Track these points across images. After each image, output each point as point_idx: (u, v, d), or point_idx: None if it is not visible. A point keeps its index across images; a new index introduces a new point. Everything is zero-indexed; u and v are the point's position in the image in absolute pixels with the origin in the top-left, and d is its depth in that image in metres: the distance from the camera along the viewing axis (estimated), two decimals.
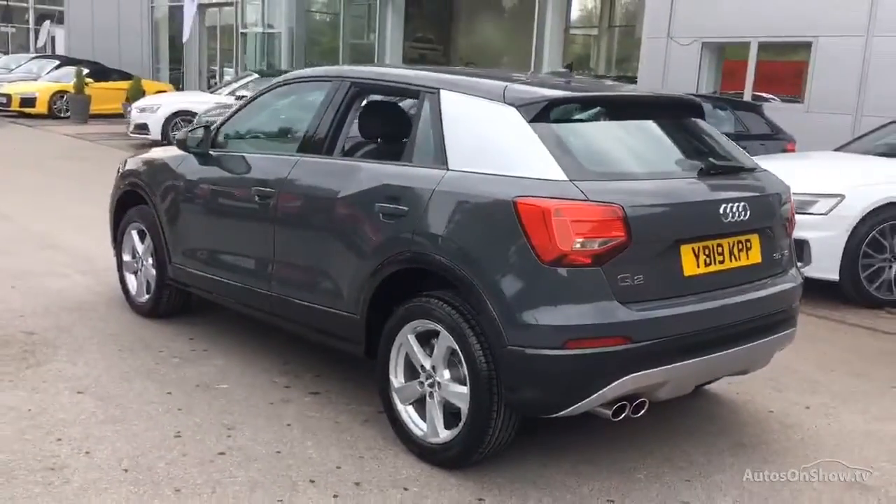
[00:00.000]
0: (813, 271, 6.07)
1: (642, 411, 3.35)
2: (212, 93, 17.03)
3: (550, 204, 3.14)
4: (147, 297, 5.31)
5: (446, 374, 3.45)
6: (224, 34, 23.97)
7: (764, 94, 12.70)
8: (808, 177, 6.52)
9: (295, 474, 3.39)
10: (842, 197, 6.34)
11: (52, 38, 33.97)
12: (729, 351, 3.50)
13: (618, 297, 3.17)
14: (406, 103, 4.39)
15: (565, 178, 3.21)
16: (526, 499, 3.30)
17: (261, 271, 4.34)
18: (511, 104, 3.47)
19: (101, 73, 21.29)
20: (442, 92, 3.71)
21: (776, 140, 9.52)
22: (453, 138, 3.58)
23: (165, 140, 14.74)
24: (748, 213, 3.52)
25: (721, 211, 3.44)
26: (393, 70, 4.54)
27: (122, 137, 16.28)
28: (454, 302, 3.38)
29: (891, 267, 6.43)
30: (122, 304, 5.51)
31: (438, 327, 3.42)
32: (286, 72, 16.46)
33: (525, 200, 3.18)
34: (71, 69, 20.52)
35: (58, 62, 23.02)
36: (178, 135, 5.04)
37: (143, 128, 15.47)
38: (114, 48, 26.14)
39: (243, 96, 14.77)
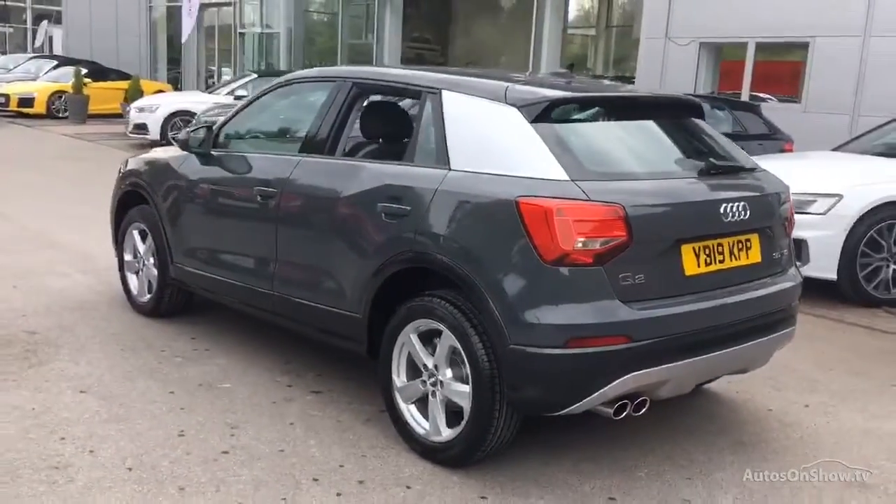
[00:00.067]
0: (811, 270, 6.09)
1: (643, 410, 3.37)
2: (210, 93, 17.04)
3: (552, 204, 3.16)
4: (149, 296, 5.32)
5: (448, 373, 3.47)
6: (222, 34, 23.97)
7: (761, 94, 12.74)
8: (807, 176, 6.55)
9: (298, 473, 3.41)
10: (840, 197, 6.37)
11: (50, 38, 33.97)
12: (729, 350, 3.52)
13: (619, 296, 3.19)
14: (408, 104, 4.42)
15: (567, 177, 3.23)
16: (528, 497, 3.32)
17: (263, 271, 4.36)
18: (513, 104, 3.49)
19: (100, 72, 21.29)
20: (444, 92, 3.73)
21: (774, 140, 9.56)
22: (455, 138, 3.60)
23: (164, 140, 14.75)
24: (748, 212, 3.55)
25: (721, 211, 3.47)
26: (394, 70, 4.56)
27: (121, 137, 16.29)
28: (456, 301, 3.40)
29: (888, 266, 6.46)
30: (124, 303, 5.53)
31: (441, 326, 3.44)
32: (285, 72, 16.46)
33: (527, 200, 3.20)
34: (69, 69, 20.51)
35: (56, 62, 23.03)
36: (180, 135, 5.06)
37: (141, 128, 15.48)
38: (112, 48, 26.13)
39: (242, 96, 14.81)
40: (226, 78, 21.46)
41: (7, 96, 20.18)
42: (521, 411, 3.38)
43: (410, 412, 3.64)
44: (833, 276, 6.37)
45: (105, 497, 3.15)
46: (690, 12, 13.13)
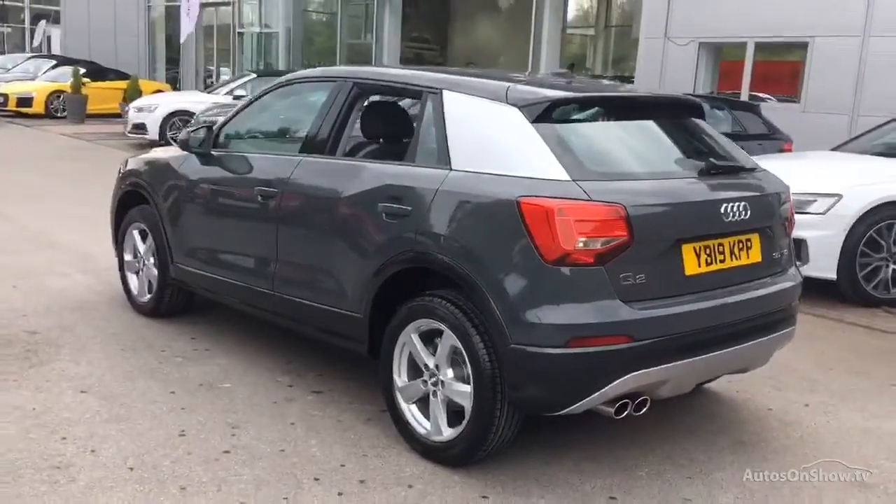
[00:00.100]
0: (811, 270, 6.10)
1: (644, 409, 3.38)
2: (209, 93, 17.03)
3: (553, 204, 3.16)
4: (149, 296, 5.33)
5: (449, 372, 3.47)
6: (221, 34, 23.97)
7: (760, 94, 12.75)
8: (806, 176, 6.56)
9: (300, 472, 3.41)
10: (839, 196, 6.38)
11: (48, 38, 33.92)
12: (729, 349, 3.53)
13: (620, 296, 3.20)
14: (408, 104, 4.42)
15: (568, 178, 3.24)
16: (529, 496, 3.32)
17: (264, 271, 4.36)
18: (514, 104, 3.50)
19: (98, 72, 21.28)
20: (445, 92, 3.74)
21: (773, 140, 9.57)
22: (456, 138, 3.60)
23: (163, 140, 14.75)
24: (748, 212, 3.55)
25: (722, 210, 3.47)
26: (395, 70, 4.56)
27: (120, 137, 16.29)
28: (457, 301, 3.40)
29: (888, 266, 6.47)
30: (124, 303, 5.53)
31: (442, 326, 3.45)
32: (284, 72, 16.47)
33: (528, 200, 3.20)
34: (68, 69, 20.50)
35: (54, 62, 23.02)
36: (181, 135, 5.06)
37: (140, 127, 15.48)
38: (110, 48, 26.12)
39: (241, 96, 14.82)
40: (224, 78, 21.46)
41: (6, 96, 20.17)
42: (522, 411, 3.39)
43: (411, 412, 3.65)
44: (832, 275, 6.38)
45: (107, 497, 3.15)
46: (689, 12, 13.15)
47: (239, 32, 23.02)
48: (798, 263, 4.16)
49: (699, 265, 3.44)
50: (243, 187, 4.53)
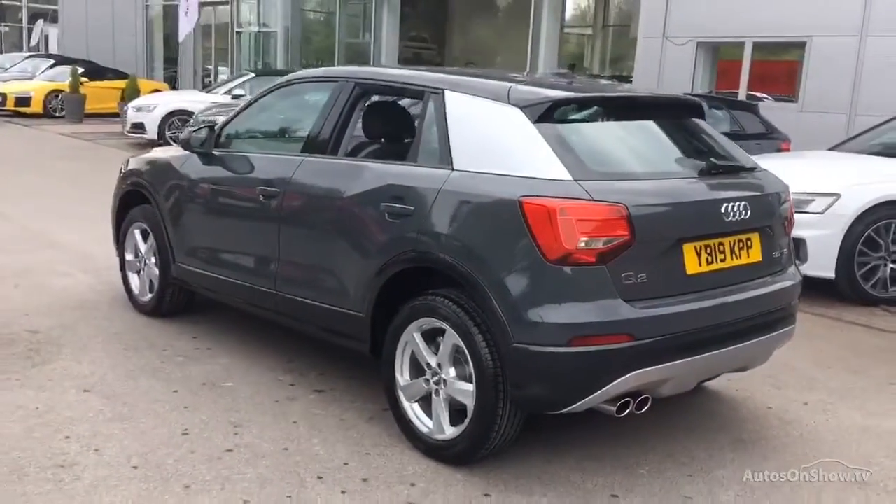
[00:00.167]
0: (809, 269, 6.12)
1: (645, 408, 3.40)
2: (208, 92, 17.03)
3: (555, 203, 3.18)
4: (150, 296, 5.34)
5: (452, 371, 3.49)
6: (219, 33, 23.96)
7: (757, 94, 12.78)
8: (805, 176, 6.57)
9: (303, 471, 3.43)
10: (838, 196, 6.40)
11: (46, 37, 33.88)
12: (730, 348, 3.55)
13: (622, 295, 3.22)
14: (410, 104, 4.44)
15: (570, 177, 3.26)
16: (531, 494, 3.34)
17: (266, 270, 4.38)
18: (515, 105, 3.51)
19: (96, 72, 21.26)
20: (446, 92, 3.76)
21: (771, 139, 9.60)
22: (458, 138, 3.62)
23: (161, 139, 14.76)
24: (749, 212, 3.57)
25: (722, 210, 3.50)
26: (397, 71, 4.58)
27: (118, 137, 16.29)
28: (460, 300, 3.42)
29: (886, 265, 6.49)
30: (125, 302, 5.54)
31: (444, 325, 3.47)
32: (282, 71, 16.46)
33: (530, 200, 3.22)
34: (66, 68, 20.50)
35: (53, 61, 23.00)
36: (182, 134, 5.07)
37: (139, 127, 15.47)
38: (108, 47, 26.10)
39: (240, 96, 14.83)
40: (223, 77, 21.45)
41: (4, 95, 20.16)
42: (524, 409, 3.41)
43: (414, 410, 3.67)
44: (831, 274, 6.41)
45: (111, 495, 3.17)
46: (688, 12, 13.17)
47: (237, 32, 23.01)
48: (797, 262, 4.18)
49: (700, 264, 3.46)
50: (245, 187, 4.54)
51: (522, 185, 3.29)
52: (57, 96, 20.20)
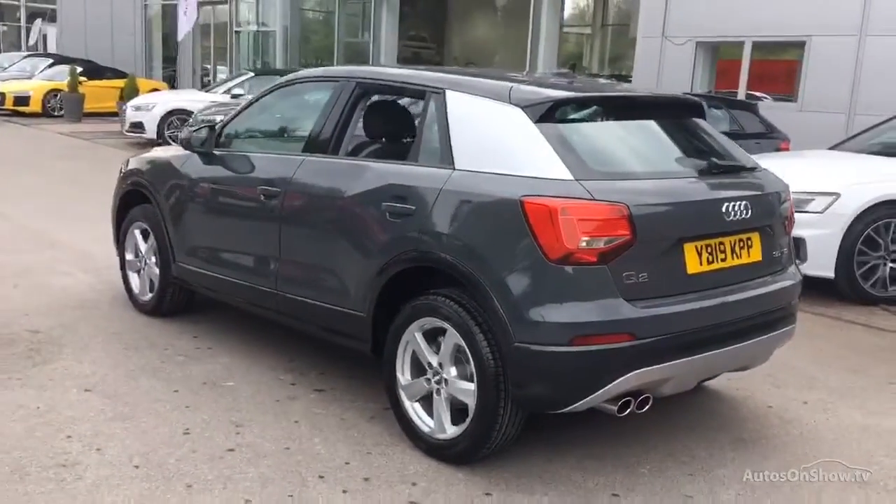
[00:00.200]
0: (809, 269, 6.12)
1: (646, 407, 3.41)
2: (207, 91, 17.03)
3: (557, 203, 3.19)
4: (150, 295, 5.34)
5: (453, 370, 3.50)
6: (218, 32, 23.95)
7: (755, 93, 12.79)
8: (804, 175, 6.58)
9: (304, 470, 3.44)
10: (837, 195, 6.41)
11: (44, 36, 33.84)
12: (731, 347, 3.56)
13: (623, 294, 3.22)
14: (411, 103, 4.44)
15: (571, 177, 3.26)
16: (532, 493, 3.35)
17: (266, 270, 4.38)
18: (517, 104, 3.52)
19: (95, 71, 21.25)
20: (448, 92, 3.76)
21: (771, 139, 9.61)
22: (459, 138, 3.62)
23: (160, 139, 14.75)
24: (749, 211, 3.58)
25: (723, 210, 3.50)
26: (398, 70, 4.59)
27: (117, 136, 16.28)
28: (461, 300, 3.42)
29: (885, 264, 6.50)
30: (125, 302, 5.54)
31: (445, 325, 3.47)
32: (281, 70, 16.42)
33: (532, 200, 3.23)
34: (65, 67, 20.48)
35: (51, 60, 22.96)
36: (182, 134, 5.08)
37: (138, 126, 15.46)
38: (106, 46, 26.08)
39: (239, 95, 14.81)
40: (221, 77, 21.45)
41: (3, 95, 20.13)
42: (525, 409, 3.41)
43: (415, 410, 3.67)
44: (830, 274, 6.42)
45: (114, 495, 3.17)
46: (687, 11, 13.18)
47: (236, 31, 23.00)
48: (797, 262, 4.19)
49: (701, 264, 3.46)
50: (246, 187, 4.55)
51: (524, 185, 3.30)
52: (56, 96, 20.19)
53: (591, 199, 3.21)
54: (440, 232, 3.50)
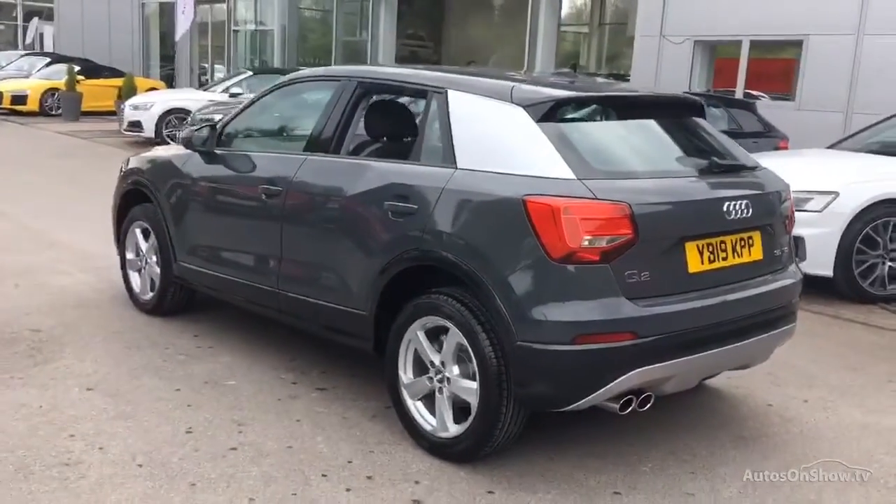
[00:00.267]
0: (808, 267, 6.11)
1: (648, 405, 3.42)
2: (205, 90, 17.02)
3: (559, 202, 3.20)
4: (151, 294, 5.34)
5: (455, 369, 3.51)
6: (215, 31, 23.93)
7: (753, 92, 12.81)
8: (803, 174, 6.59)
9: (307, 469, 3.44)
10: (836, 194, 6.43)
11: (41, 35, 33.78)
12: (732, 346, 3.57)
13: (625, 293, 3.23)
14: (413, 103, 4.45)
15: (573, 176, 3.28)
16: (535, 491, 3.36)
17: (268, 269, 4.39)
18: (518, 104, 3.53)
19: (93, 70, 21.23)
20: (449, 92, 3.77)
21: (769, 138, 9.63)
22: (461, 137, 3.63)
23: (158, 138, 14.74)
24: (750, 210, 3.60)
25: (724, 209, 3.52)
26: (399, 70, 4.59)
27: (115, 135, 16.27)
28: (463, 299, 3.43)
29: (884, 263, 6.52)
30: (126, 301, 5.54)
31: (448, 324, 3.48)
32: (279, 69, 16.37)
33: (534, 199, 3.24)
34: (62, 66, 20.47)
35: (49, 59, 22.94)
36: (184, 133, 5.08)
37: (136, 125, 15.45)
38: (104, 45, 26.04)
39: (237, 94, 14.81)
40: (219, 75, 21.43)
41: (0, 93, 20.11)
42: (528, 407, 3.43)
43: (417, 408, 3.68)
44: (829, 273, 6.43)
45: (118, 493, 3.18)
46: (685, 10, 13.20)
47: (234, 30, 22.98)
48: (796, 260, 4.20)
49: (702, 263, 3.48)
50: (247, 186, 4.55)
51: (526, 184, 3.31)
52: (53, 94, 20.18)
53: (593, 199, 3.22)
54: (442, 231, 3.51)
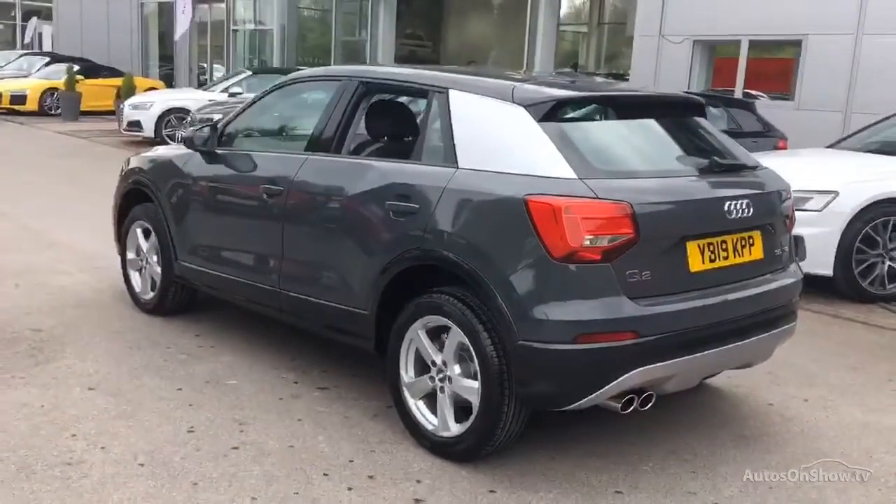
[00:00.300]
0: (807, 267, 6.04)
1: (649, 404, 3.43)
2: (205, 90, 17.01)
3: (561, 202, 3.20)
4: (152, 294, 5.35)
5: (457, 368, 3.51)
6: (214, 31, 23.92)
7: (752, 92, 12.82)
8: (803, 173, 6.59)
9: (309, 468, 3.45)
10: (836, 193, 6.44)
11: (40, 35, 33.74)
12: (733, 345, 3.57)
13: (626, 292, 3.24)
14: (414, 103, 4.45)
15: (575, 176, 3.28)
16: (536, 491, 3.37)
17: (269, 268, 4.40)
18: (520, 104, 3.54)
19: (92, 70, 21.20)
20: (451, 91, 3.77)
21: (768, 137, 9.64)
22: (463, 137, 3.64)
23: (158, 137, 14.74)
24: (751, 210, 3.60)
25: (725, 208, 3.52)
26: (401, 70, 4.60)
27: (114, 134, 16.26)
28: (465, 298, 3.44)
29: (884, 262, 6.53)
30: (127, 301, 5.55)
31: (449, 323, 3.49)
32: (278, 69, 16.36)
33: (536, 198, 3.24)
34: (61, 66, 20.45)
35: (48, 59, 22.93)
36: (185, 132, 5.08)
37: (135, 125, 15.44)
38: (103, 45, 26.02)
39: (237, 93, 14.80)
40: (219, 75, 21.43)
41: None
42: (529, 406, 3.43)
43: (419, 408, 3.69)
44: (829, 272, 6.44)
45: (120, 492, 3.18)
46: (684, 10, 13.20)
47: (233, 30, 22.97)
48: (796, 259, 4.21)
49: (703, 262, 3.48)
50: (248, 185, 4.56)
51: (527, 184, 3.31)
52: (52, 94, 20.16)
53: (594, 198, 3.22)
54: (444, 230, 3.51)
